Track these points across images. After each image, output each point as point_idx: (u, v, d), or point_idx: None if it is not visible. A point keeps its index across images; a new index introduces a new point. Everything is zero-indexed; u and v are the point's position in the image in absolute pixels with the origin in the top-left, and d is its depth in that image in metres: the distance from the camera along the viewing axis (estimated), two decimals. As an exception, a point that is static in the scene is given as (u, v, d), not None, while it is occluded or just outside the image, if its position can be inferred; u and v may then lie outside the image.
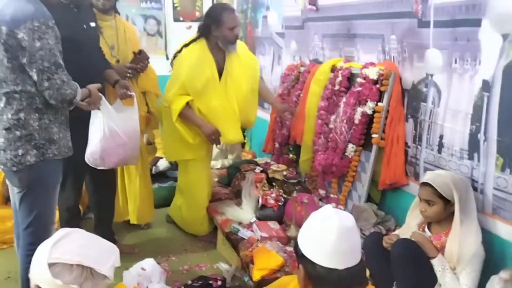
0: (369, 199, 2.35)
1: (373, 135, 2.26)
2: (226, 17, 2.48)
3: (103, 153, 2.20)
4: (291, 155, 2.99)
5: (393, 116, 2.19)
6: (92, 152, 2.21)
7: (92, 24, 2.38)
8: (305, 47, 3.06)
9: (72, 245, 1.06)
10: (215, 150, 3.55)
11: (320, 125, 2.57)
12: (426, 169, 2.06)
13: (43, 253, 1.03)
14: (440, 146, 1.99)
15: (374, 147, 2.27)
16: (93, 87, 2.05)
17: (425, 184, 1.76)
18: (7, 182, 1.97)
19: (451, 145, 1.93)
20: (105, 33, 2.56)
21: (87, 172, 2.45)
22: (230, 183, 3.05)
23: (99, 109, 2.12)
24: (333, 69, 2.57)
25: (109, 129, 2.18)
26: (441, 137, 1.98)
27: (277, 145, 3.13)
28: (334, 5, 2.66)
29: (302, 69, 2.96)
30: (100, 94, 2.10)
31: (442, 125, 1.97)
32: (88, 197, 2.71)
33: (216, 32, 2.51)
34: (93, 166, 2.26)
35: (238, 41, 2.68)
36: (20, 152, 1.80)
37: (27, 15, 1.70)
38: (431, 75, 2.02)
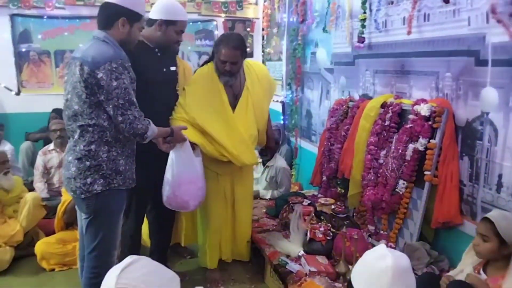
0: (421, 237, 2.26)
1: (426, 172, 2.19)
2: (221, 50, 2.47)
3: (186, 196, 2.32)
4: (339, 189, 2.95)
5: (447, 154, 2.12)
6: (176, 196, 2.32)
7: (172, 68, 2.55)
8: (355, 82, 3.06)
9: (138, 272, 1.09)
10: (264, 181, 3.57)
11: (370, 160, 2.52)
12: (483, 209, 1.97)
13: (112, 278, 1.07)
14: (499, 185, 1.89)
15: (427, 185, 2.20)
16: (177, 128, 2.19)
17: (485, 219, 1.68)
18: (76, 208, 2.08)
19: (511, 185, 1.83)
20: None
21: (149, 202, 2.54)
22: (277, 215, 3.03)
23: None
24: (383, 105, 2.54)
25: (188, 174, 2.29)
26: (499, 176, 1.89)
27: (324, 178, 3.10)
28: (387, 42, 2.66)
29: (351, 104, 2.95)
30: (184, 136, 2.22)
31: (500, 164, 1.88)
32: (149, 224, 2.78)
33: (214, 58, 2.54)
34: (176, 209, 2.41)
35: (259, 63, 2.74)
36: (88, 180, 1.91)
37: (106, 57, 1.85)
38: (487, 113, 1.95)
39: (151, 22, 2.44)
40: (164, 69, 2.51)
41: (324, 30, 3.38)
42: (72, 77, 1.94)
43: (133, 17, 2.01)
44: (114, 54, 1.89)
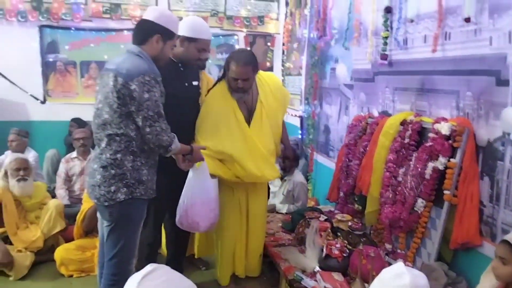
0: (439, 258, 2.22)
1: (445, 192, 2.17)
2: (232, 67, 2.48)
3: (197, 217, 2.36)
4: (356, 206, 2.93)
5: (467, 173, 2.10)
6: (188, 216, 2.37)
7: (195, 83, 2.61)
8: (374, 99, 3.06)
9: (158, 279, 1.11)
10: (281, 194, 3.57)
11: (388, 178, 2.51)
12: (504, 231, 1.93)
13: (133, 285, 1.09)
14: (520, 207, 1.86)
15: (446, 204, 2.18)
16: (197, 147, 2.26)
17: (505, 241, 1.65)
18: (98, 215, 2.13)
19: (532, 208, 1.80)
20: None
21: (167, 212, 2.58)
22: (293, 229, 3.03)
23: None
24: (403, 122, 2.54)
25: (202, 195, 2.34)
26: (521, 198, 1.86)
27: (342, 194, 3.09)
28: (408, 60, 2.67)
29: (370, 120, 2.94)
30: (202, 155, 2.30)
31: (522, 186, 1.85)
32: (166, 234, 2.82)
33: (226, 76, 2.56)
34: (188, 230, 2.46)
35: (271, 74, 2.77)
36: (112, 188, 1.96)
37: (140, 70, 1.93)
38: (508, 134, 1.93)
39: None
40: (186, 84, 2.57)
41: (344, 46, 3.40)
42: (104, 88, 2.00)
43: (167, 34, 2.09)
44: (148, 68, 1.96)
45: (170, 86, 2.26)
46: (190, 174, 2.37)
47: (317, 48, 4.04)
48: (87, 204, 3.08)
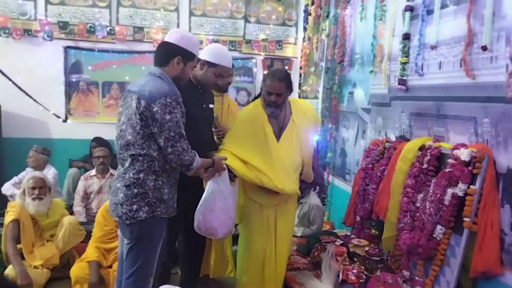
0: (458, 286, 2.18)
1: (465, 219, 2.14)
2: (268, 82, 2.59)
3: (216, 223, 2.39)
4: (373, 231, 2.90)
5: (487, 201, 2.07)
6: (206, 222, 2.39)
7: (211, 106, 2.70)
8: (391, 123, 3.07)
9: None
10: (296, 217, 3.56)
11: (406, 203, 2.49)
12: (526, 261, 1.89)
13: None
14: (543, 237, 1.82)
15: (466, 231, 2.14)
16: (218, 158, 2.30)
17: None
18: (119, 233, 2.16)
19: (555, 237, 1.76)
20: (214, 105, 2.83)
21: (181, 231, 2.60)
22: (309, 253, 3.00)
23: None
24: (422, 147, 2.53)
25: (222, 203, 2.38)
26: (543, 227, 1.83)
27: (358, 218, 3.06)
28: (424, 85, 2.68)
29: (387, 144, 2.94)
30: (224, 166, 2.34)
31: (544, 215, 1.82)
32: (179, 254, 2.84)
33: (262, 92, 2.65)
34: (205, 235, 2.47)
35: (305, 101, 2.87)
36: (134, 207, 2.00)
37: (162, 93, 1.99)
38: (530, 161, 1.91)
39: (197, 61, 2.58)
40: (204, 105, 2.65)
41: (370, 72, 3.40)
42: (127, 110, 2.07)
43: (188, 56, 2.15)
44: (169, 90, 2.02)
45: (190, 107, 2.32)
46: (210, 184, 2.40)
47: (336, 72, 4.09)
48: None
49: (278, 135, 2.67)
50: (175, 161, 2.01)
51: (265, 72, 5.15)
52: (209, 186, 2.40)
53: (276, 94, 2.58)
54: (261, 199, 2.65)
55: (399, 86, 2.87)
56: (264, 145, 2.61)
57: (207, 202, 2.38)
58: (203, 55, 2.57)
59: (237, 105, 3.02)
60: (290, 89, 2.66)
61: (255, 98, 2.78)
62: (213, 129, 2.85)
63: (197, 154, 2.11)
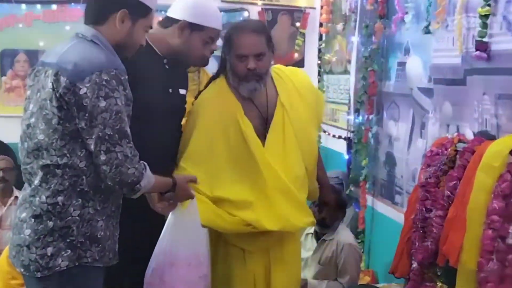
0: None
1: None
2: (236, 40, 2.62)
3: (179, 285, 2.40)
4: (439, 284, 2.90)
5: None
6: (164, 283, 2.40)
7: (182, 92, 2.74)
8: (466, 112, 3.07)
9: None
10: (315, 264, 3.55)
11: (491, 239, 2.49)
12: None
13: None
14: None
15: None
16: (182, 179, 2.31)
17: None
18: None
19: None
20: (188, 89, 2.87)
21: (126, 280, 2.59)
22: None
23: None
24: (515, 150, 2.53)
25: (188, 251, 2.40)
26: None
27: (415, 265, 3.05)
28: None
29: (460, 146, 2.94)
30: (191, 191, 2.36)
31: None
32: None
33: (227, 64, 2.69)
34: None
35: (295, 69, 2.90)
36: (49, 251, 1.99)
37: (95, 65, 1.97)
38: None
39: (168, 22, 2.65)
40: (171, 90, 2.67)
41: (426, 29, 3.41)
42: (39, 93, 2.05)
43: (138, 10, 2.15)
44: (107, 61, 2.01)
45: (145, 91, 2.32)
46: (171, 218, 2.41)
47: (376, 32, 4.09)
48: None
49: (262, 134, 2.70)
50: (112, 176, 1.98)
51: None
52: (168, 224, 2.41)
53: (255, 56, 2.59)
54: (242, 241, 2.68)
55: (478, 52, 2.86)
56: (244, 158, 2.64)
57: (165, 251, 2.38)
58: (180, 13, 2.61)
59: None
60: (272, 47, 2.70)
61: (212, 78, 2.81)
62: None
63: (147, 168, 2.09)
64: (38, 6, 4.89)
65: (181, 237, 2.38)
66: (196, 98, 2.80)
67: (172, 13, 2.64)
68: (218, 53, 5.05)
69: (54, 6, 4.89)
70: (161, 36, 2.62)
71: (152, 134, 2.46)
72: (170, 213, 2.40)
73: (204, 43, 2.64)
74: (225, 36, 2.69)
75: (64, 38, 2.22)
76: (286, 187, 2.65)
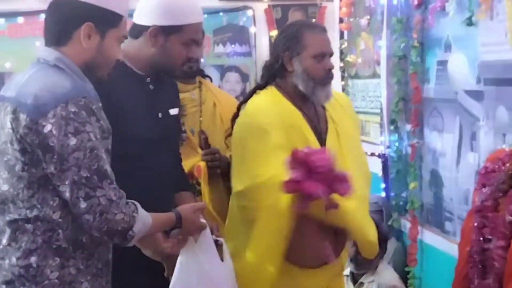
0: None
1: None
2: (309, 38, 2.75)
3: None
4: (507, 331, 2.87)
5: None
6: None
7: (173, 112, 2.72)
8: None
9: None
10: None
11: None
12: None
13: None
14: None
15: None
16: (188, 210, 2.31)
17: None
18: None
19: None
20: (183, 110, 2.90)
21: None
22: None
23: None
24: None
25: None
26: None
27: (475, 307, 3.04)
28: None
29: (522, 160, 2.93)
30: (202, 222, 2.37)
31: None
32: None
33: (294, 65, 2.75)
34: None
35: (340, 93, 3.01)
36: None
37: (59, 96, 1.95)
38: None
39: (137, 30, 2.62)
40: (160, 115, 2.66)
41: (469, 21, 3.42)
42: None
43: (106, 20, 2.13)
44: (73, 89, 1.98)
45: (130, 121, 2.32)
46: (182, 259, 2.39)
47: (415, 25, 4.10)
48: None
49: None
50: (97, 226, 1.95)
51: (274, 32, 5.16)
52: (179, 266, 2.39)
53: (330, 55, 2.81)
54: (301, 275, 2.75)
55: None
56: None
57: None
58: (148, 17, 2.58)
59: (233, 102, 3.03)
60: None
61: (256, 88, 2.86)
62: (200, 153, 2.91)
63: (139, 208, 2.07)
64: (2, 20, 4.91)
65: (194, 278, 2.37)
66: (236, 115, 2.84)
67: (138, 18, 2.62)
68: (215, 61, 5.17)
69: (20, 19, 4.91)
70: (135, 51, 2.60)
71: (146, 168, 2.48)
72: (180, 252, 2.37)
73: (186, 45, 2.62)
74: (290, 36, 2.79)
75: (34, 57, 2.19)
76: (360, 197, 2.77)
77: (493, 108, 3.33)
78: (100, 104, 2.06)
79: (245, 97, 2.92)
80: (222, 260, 2.50)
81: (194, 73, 2.87)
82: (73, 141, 1.92)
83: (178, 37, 2.58)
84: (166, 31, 2.56)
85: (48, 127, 1.92)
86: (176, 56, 2.60)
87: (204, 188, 3.08)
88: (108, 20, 2.14)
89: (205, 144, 3.01)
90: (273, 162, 2.64)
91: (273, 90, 2.80)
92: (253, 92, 2.87)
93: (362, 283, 3.54)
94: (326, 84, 2.77)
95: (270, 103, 2.77)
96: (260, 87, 2.85)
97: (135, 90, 2.56)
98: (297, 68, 2.74)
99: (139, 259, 2.36)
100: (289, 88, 2.79)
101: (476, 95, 3.47)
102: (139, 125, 2.48)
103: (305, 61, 2.73)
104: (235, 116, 2.85)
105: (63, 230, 2.00)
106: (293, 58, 2.75)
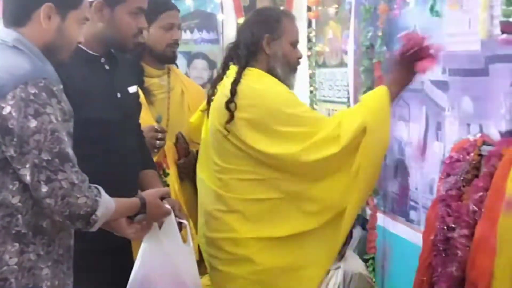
0: None
1: None
2: (287, 25, 2.84)
3: None
4: (468, 318, 2.91)
5: None
6: None
7: (132, 89, 2.70)
8: (491, 108, 3.09)
9: None
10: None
11: (529, 262, 2.51)
12: None
13: None
14: None
15: None
16: (153, 195, 2.32)
17: None
18: None
19: None
20: (152, 96, 2.90)
21: None
22: None
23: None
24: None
25: (169, 279, 2.40)
26: None
27: (438, 294, 3.07)
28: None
29: (485, 149, 2.95)
30: (166, 207, 2.37)
31: None
32: None
33: (273, 48, 2.81)
34: None
35: None
36: None
37: (18, 77, 1.93)
38: None
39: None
40: (119, 94, 2.63)
41: (432, 11, 3.44)
42: None
43: (67, 1, 2.12)
44: (33, 70, 1.97)
45: (88, 104, 2.32)
46: (144, 245, 2.40)
47: (380, 15, 4.11)
48: None
49: None
50: (59, 210, 1.95)
51: (241, 19, 5.14)
52: (142, 252, 2.40)
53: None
54: None
55: (505, 36, 2.87)
56: None
57: (142, 281, 2.37)
58: None
59: (200, 90, 3.03)
60: None
61: (243, 68, 2.83)
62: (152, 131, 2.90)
63: (102, 192, 2.06)
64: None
65: (158, 263, 2.37)
66: (231, 99, 2.81)
67: None
68: (182, 48, 5.15)
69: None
70: (84, 30, 2.52)
71: (109, 151, 2.47)
72: (144, 238, 2.39)
73: (134, 15, 2.59)
74: (270, 19, 2.85)
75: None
76: None
77: (458, 98, 3.35)
78: (61, 86, 2.04)
79: (235, 78, 2.83)
80: (185, 241, 2.51)
81: (172, 59, 2.86)
82: (33, 123, 1.91)
83: (124, 7, 2.55)
84: (110, 3, 2.54)
85: (7, 109, 1.91)
86: (125, 27, 2.57)
87: (172, 168, 3.11)
88: (69, 1, 2.13)
89: (184, 152, 3.02)
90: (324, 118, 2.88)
91: (259, 72, 2.84)
92: (241, 72, 2.83)
93: (328, 270, 3.55)
94: (296, 71, 2.89)
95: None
96: (244, 67, 2.83)
97: (90, 72, 2.53)
98: (276, 51, 2.81)
99: (103, 243, 2.35)
100: (264, 71, 2.84)
101: (442, 85, 3.50)
102: (99, 107, 2.46)
103: (284, 46, 2.81)
104: (230, 100, 2.80)
105: (22, 215, 1.99)
106: (272, 42, 2.80)
